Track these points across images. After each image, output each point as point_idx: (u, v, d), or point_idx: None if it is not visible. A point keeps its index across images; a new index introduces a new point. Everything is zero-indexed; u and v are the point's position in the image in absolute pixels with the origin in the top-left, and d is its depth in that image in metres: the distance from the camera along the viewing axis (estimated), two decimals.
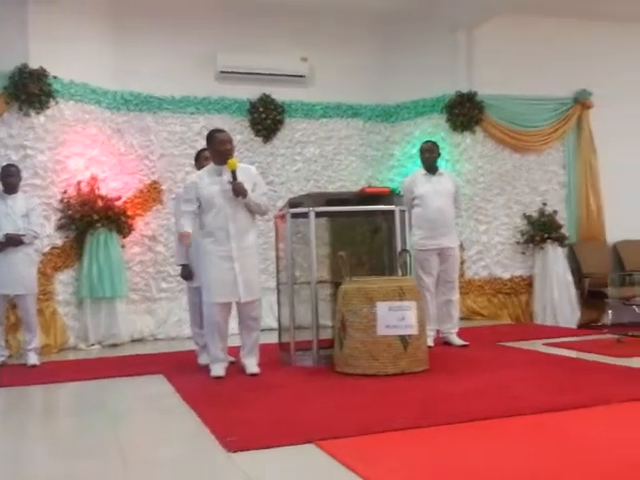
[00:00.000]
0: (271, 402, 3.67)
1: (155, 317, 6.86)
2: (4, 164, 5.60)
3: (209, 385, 4.22)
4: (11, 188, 5.38)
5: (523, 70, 7.51)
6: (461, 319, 7.21)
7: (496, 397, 3.59)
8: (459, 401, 3.51)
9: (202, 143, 6.51)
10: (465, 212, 7.39)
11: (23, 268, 5.27)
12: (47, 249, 6.14)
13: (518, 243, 7.65)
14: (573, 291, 7.50)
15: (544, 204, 7.70)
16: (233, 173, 4.37)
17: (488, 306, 7.53)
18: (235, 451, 2.76)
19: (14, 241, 5.20)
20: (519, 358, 4.88)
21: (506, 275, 7.62)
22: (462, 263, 7.36)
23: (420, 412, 3.30)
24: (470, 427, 3.04)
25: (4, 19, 5.84)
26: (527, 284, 7.63)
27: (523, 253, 7.65)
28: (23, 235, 5.25)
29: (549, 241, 7.48)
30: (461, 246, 7.29)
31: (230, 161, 4.38)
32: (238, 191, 4.36)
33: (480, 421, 3.11)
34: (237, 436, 2.94)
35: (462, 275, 7.35)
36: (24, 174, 6.00)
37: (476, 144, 7.58)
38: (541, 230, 7.52)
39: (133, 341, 6.60)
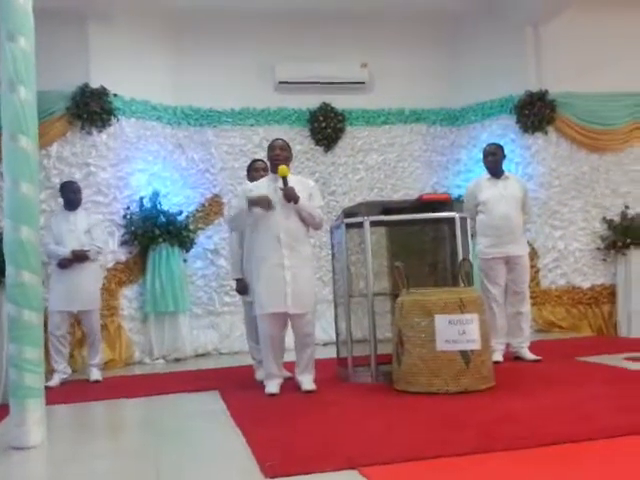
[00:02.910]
0: (321, 422, 3.49)
1: (218, 331, 6.83)
2: (65, 180, 5.68)
3: (261, 402, 4.09)
4: (74, 204, 5.45)
5: (597, 65, 7.03)
6: (537, 331, 6.85)
7: (568, 418, 3.26)
8: (525, 423, 3.20)
9: (262, 155, 6.47)
10: (539, 217, 7.02)
11: (87, 284, 5.32)
12: (111, 264, 6.24)
13: (598, 249, 7.17)
14: None
15: (626, 207, 7.18)
16: (284, 179, 4.25)
17: (567, 317, 7.08)
18: (273, 477, 2.60)
19: (80, 257, 5.25)
20: (597, 374, 4.49)
21: (586, 284, 7.15)
22: (537, 272, 7.00)
23: (479, 435, 3.02)
24: (535, 453, 2.74)
25: (65, 40, 5.98)
26: (609, 293, 7.14)
27: (604, 260, 7.16)
28: (88, 251, 5.30)
29: (632, 247, 6.96)
30: (535, 253, 6.93)
31: (280, 167, 4.27)
32: (289, 196, 4.23)
33: (547, 446, 2.80)
34: (278, 459, 2.77)
35: (537, 284, 6.98)
36: (87, 191, 6.15)
37: (549, 145, 7.17)
38: (623, 235, 7.00)
39: (197, 355, 6.59)
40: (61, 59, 5.97)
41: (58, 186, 5.98)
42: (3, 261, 3.44)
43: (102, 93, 6.19)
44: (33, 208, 3.44)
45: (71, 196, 5.44)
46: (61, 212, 5.49)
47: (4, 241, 3.41)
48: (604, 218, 7.19)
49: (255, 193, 4.29)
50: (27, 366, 3.30)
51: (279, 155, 4.37)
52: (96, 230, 5.47)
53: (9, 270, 3.37)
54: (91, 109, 6.13)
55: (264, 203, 4.24)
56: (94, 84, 6.18)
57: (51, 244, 5.27)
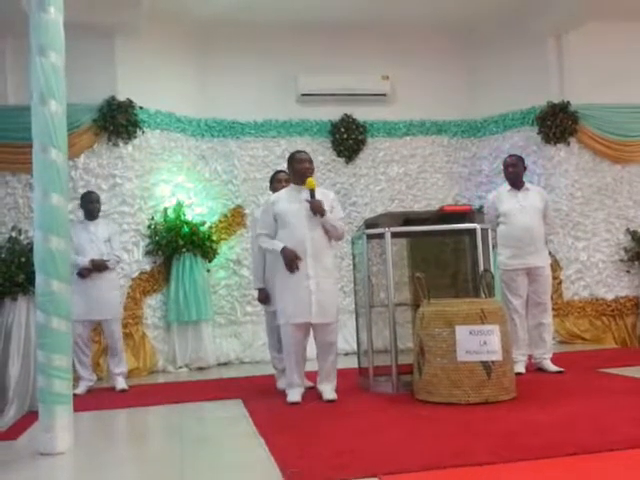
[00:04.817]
0: (342, 431, 3.52)
1: (241, 340, 6.88)
2: (85, 191, 5.75)
3: (283, 411, 4.13)
4: (93, 214, 5.50)
5: (619, 77, 7.00)
6: (560, 343, 6.81)
7: (588, 429, 3.26)
8: (544, 433, 3.21)
9: (284, 166, 6.54)
10: (562, 229, 6.98)
11: (107, 293, 5.38)
12: (136, 274, 6.32)
13: (622, 261, 7.11)
14: None
15: None
16: (311, 191, 4.33)
17: (590, 329, 7.02)
18: None
19: (100, 266, 5.32)
20: (619, 386, 4.46)
21: (610, 295, 7.09)
22: (559, 283, 6.96)
23: (499, 445, 3.03)
24: (555, 463, 2.76)
25: (92, 54, 6.10)
26: (633, 305, 7.07)
27: (628, 272, 7.10)
28: (107, 260, 5.37)
29: None
30: (557, 265, 6.90)
31: (308, 180, 4.35)
32: (316, 209, 4.30)
33: (568, 457, 2.82)
34: (300, 467, 2.82)
35: (560, 296, 6.94)
36: (114, 202, 6.26)
37: (571, 156, 7.14)
38: None
39: (219, 364, 6.64)
40: (89, 72, 6.08)
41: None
42: (33, 271, 3.53)
43: (128, 106, 6.30)
44: (63, 219, 3.52)
45: (90, 206, 5.49)
46: (80, 222, 5.51)
47: (34, 251, 3.49)
48: (628, 229, 7.14)
49: (277, 245, 4.34)
50: (55, 373, 3.38)
51: (309, 168, 4.46)
52: (115, 239, 5.55)
53: (39, 279, 3.46)
54: (118, 121, 6.24)
55: (292, 263, 4.28)
56: (121, 97, 6.29)
57: (71, 254, 5.32)
